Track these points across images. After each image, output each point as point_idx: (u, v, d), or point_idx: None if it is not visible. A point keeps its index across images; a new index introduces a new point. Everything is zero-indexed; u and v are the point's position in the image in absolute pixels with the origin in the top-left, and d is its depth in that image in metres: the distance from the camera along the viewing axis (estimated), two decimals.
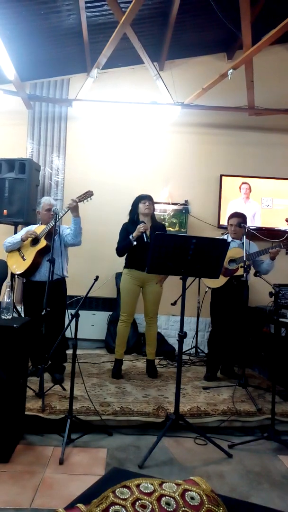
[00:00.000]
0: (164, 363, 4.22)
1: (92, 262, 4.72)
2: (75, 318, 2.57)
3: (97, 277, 2.62)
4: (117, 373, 3.61)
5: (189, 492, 0.85)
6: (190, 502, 0.83)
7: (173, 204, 4.94)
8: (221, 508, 0.84)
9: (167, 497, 0.83)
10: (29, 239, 3.41)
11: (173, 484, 0.87)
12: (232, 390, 3.22)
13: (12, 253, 3.49)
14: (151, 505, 0.81)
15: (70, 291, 3.62)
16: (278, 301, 2.97)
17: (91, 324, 4.74)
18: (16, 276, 3.85)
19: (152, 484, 0.86)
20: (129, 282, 3.62)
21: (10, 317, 2.52)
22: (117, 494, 0.83)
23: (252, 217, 4.94)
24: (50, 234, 3.29)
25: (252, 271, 3.51)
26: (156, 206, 3.87)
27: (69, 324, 2.67)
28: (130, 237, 3.49)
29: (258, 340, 4.10)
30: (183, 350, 4.15)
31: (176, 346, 4.46)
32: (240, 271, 3.56)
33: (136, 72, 5.02)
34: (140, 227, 3.45)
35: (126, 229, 3.61)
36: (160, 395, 3.18)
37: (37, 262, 3.36)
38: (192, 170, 5.06)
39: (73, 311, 2.61)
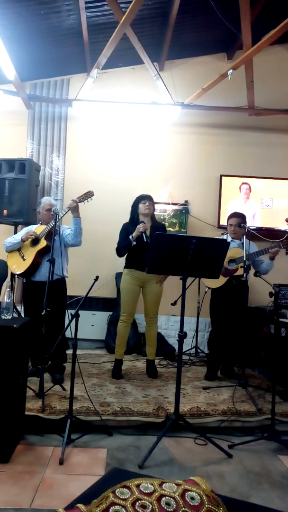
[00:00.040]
0: (164, 363, 4.22)
1: (92, 262, 4.72)
2: (75, 318, 2.57)
3: (97, 277, 2.62)
4: (117, 373, 3.61)
5: (189, 492, 0.85)
6: (190, 502, 0.83)
7: (173, 204, 4.94)
8: (221, 508, 0.84)
9: (167, 497, 0.83)
10: (29, 239, 3.41)
11: (173, 484, 0.87)
12: (232, 390, 3.22)
13: (12, 253, 3.49)
14: (151, 505, 0.81)
15: (70, 291, 3.62)
16: (278, 301, 2.98)
17: (91, 324, 4.74)
18: (16, 276, 3.85)
19: (152, 484, 0.86)
20: (129, 282, 3.62)
21: (10, 317, 2.52)
22: (117, 494, 0.83)
23: (252, 217, 4.94)
24: (50, 234, 3.29)
25: (252, 271, 3.51)
26: (156, 206, 3.87)
27: (69, 324, 2.67)
28: (130, 237, 3.49)
29: (258, 340, 4.10)
30: (183, 350, 4.15)
31: (176, 346, 4.46)
32: (240, 271, 3.56)
33: (136, 72, 5.02)
34: (140, 227, 3.45)
35: (126, 229, 3.61)
36: (160, 395, 3.18)
37: (37, 262, 3.36)
38: (192, 170, 5.06)
39: (73, 311, 2.61)
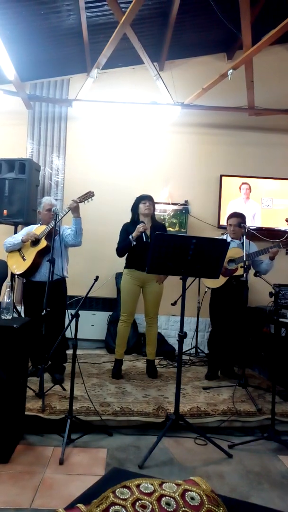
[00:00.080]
0: (164, 363, 4.22)
1: (92, 262, 4.72)
2: (75, 318, 2.57)
3: (97, 277, 2.62)
4: (117, 373, 3.61)
5: (189, 492, 0.85)
6: (190, 502, 0.83)
7: (173, 204, 4.94)
8: (221, 508, 0.84)
9: (167, 497, 0.83)
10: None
11: (173, 484, 0.87)
12: (232, 390, 3.22)
13: (12, 253, 3.49)
14: (151, 505, 0.81)
15: (70, 291, 3.62)
16: (278, 301, 2.97)
17: (91, 324, 4.74)
18: (16, 276, 3.85)
19: (152, 484, 0.86)
20: (129, 282, 3.62)
21: (10, 317, 2.52)
22: (117, 494, 0.83)
23: (252, 217, 4.94)
24: (51, 235, 3.29)
25: (252, 271, 3.51)
26: (156, 206, 3.86)
27: (69, 324, 2.67)
28: (130, 237, 3.50)
29: (258, 340, 4.10)
30: (183, 350, 4.15)
31: (176, 346, 4.46)
32: (240, 271, 3.56)
33: (136, 72, 5.02)
34: (140, 227, 3.45)
35: (126, 230, 3.61)
36: (160, 395, 3.18)
37: (37, 262, 3.36)
38: (192, 170, 5.06)
39: (73, 311, 2.61)
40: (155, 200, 3.82)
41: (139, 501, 0.81)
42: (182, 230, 4.92)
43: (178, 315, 3.81)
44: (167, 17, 4.21)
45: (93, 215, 4.62)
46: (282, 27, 3.35)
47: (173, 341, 4.74)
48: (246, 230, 3.49)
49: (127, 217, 3.77)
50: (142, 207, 3.62)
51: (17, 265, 3.43)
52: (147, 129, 5.07)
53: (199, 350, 4.66)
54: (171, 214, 4.92)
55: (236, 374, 3.74)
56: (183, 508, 0.81)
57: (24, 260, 3.40)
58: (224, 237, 3.87)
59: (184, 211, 4.93)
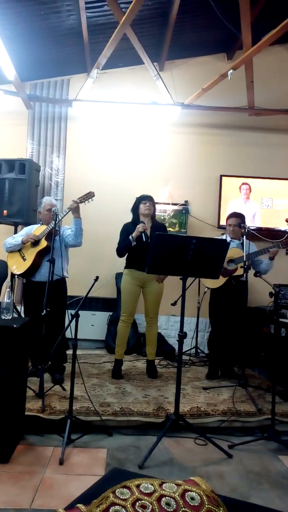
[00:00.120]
0: (164, 363, 4.22)
1: (92, 262, 4.72)
2: (75, 319, 2.57)
3: (97, 278, 2.62)
4: (117, 373, 3.61)
5: (189, 492, 0.85)
6: (190, 503, 0.83)
7: (173, 204, 4.94)
8: (221, 509, 0.84)
9: (167, 497, 0.83)
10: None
11: (173, 484, 0.87)
12: (232, 391, 3.22)
13: (12, 253, 3.49)
14: (151, 506, 0.81)
15: (70, 292, 3.62)
16: (278, 301, 2.98)
17: (91, 325, 4.74)
18: (16, 276, 3.85)
19: (152, 485, 0.86)
20: (129, 283, 3.62)
21: (10, 317, 2.52)
22: (117, 495, 0.83)
23: (252, 218, 4.94)
24: (51, 235, 3.29)
25: (252, 271, 3.51)
26: (156, 206, 3.86)
27: (69, 325, 2.67)
28: (130, 237, 3.50)
29: (258, 340, 4.10)
30: (183, 351, 4.15)
31: (176, 347, 4.46)
32: (239, 271, 3.56)
33: (136, 72, 5.02)
34: (139, 227, 3.46)
35: (127, 230, 3.61)
36: (160, 395, 3.18)
37: (38, 262, 3.36)
38: (192, 170, 5.07)
39: (73, 312, 2.61)
40: (155, 200, 3.82)
41: (139, 501, 0.81)
42: (182, 230, 4.92)
43: (178, 315, 3.81)
44: (167, 17, 4.21)
45: (93, 215, 4.62)
46: (282, 27, 3.35)
47: (173, 341, 4.74)
48: (246, 230, 3.48)
49: (127, 217, 3.77)
50: (142, 207, 3.62)
51: (17, 265, 3.43)
52: (147, 129, 5.07)
53: (199, 350, 4.66)
54: (171, 214, 4.92)
55: (236, 374, 3.74)
56: (183, 508, 0.81)
57: (24, 260, 3.40)
58: (224, 237, 3.87)
59: (184, 211, 4.93)
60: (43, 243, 3.34)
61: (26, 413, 2.65)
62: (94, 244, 4.67)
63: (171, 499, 0.83)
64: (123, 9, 3.58)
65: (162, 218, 4.84)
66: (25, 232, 3.53)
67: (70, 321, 2.60)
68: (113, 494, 0.83)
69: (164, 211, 4.90)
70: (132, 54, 4.32)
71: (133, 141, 5.07)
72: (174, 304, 3.91)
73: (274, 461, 2.45)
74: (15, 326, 2.29)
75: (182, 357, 2.78)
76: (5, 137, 4.98)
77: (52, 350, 2.92)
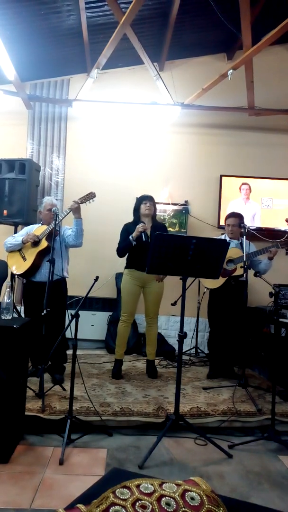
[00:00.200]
0: (164, 363, 4.22)
1: (92, 263, 4.72)
2: (75, 319, 2.57)
3: (97, 278, 2.62)
4: (117, 373, 3.61)
5: (189, 492, 0.85)
6: (190, 503, 0.83)
7: (173, 204, 4.94)
8: (221, 509, 0.84)
9: (167, 497, 0.83)
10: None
11: (173, 484, 0.87)
12: (232, 391, 3.22)
13: (12, 253, 3.49)
14: (151, 506, 0.81)
15: (70, 292, 3.62)
16: (278, 301, 2.97)
17: (91, 325, 4.74)
18: (16, 276, 3.85)
19: (152, 485, 0.86)
20: (129, 283, 3.62)
21: (10, 317, 2.52)
22: (117, 495, 0.83)
23: (252, 218, 4.94)
24: (51, 235, 3.28)
25: (252, 271, 3.51)
26: (156, 206, 3.86)
27: (69, 325, 2.67)
28: (130, 237, 3.50)
29: (258, 341, 4.10)
30: (183, 351, 4.15)
31: (176, 347, 4.46)
32: (238, 272, 3.56)
33: (136, 72, 5.02)
34: (139, 227, 3.46)
35: (127, 230, 3.62)
36: (160, 395, 3.18)
37: (38, 263, 3.36)
38: (192, 170, 5.07)
39: (73, 312, 2.61)
40: (155, 200, 3.81)
41: (139, 501, 0.81)
42: (182, 230, 4.92)
43: (178, 315, 3.81)
44: (167, 17, 4.21)
45: (93, 215, 4.61)
46: (282, 27, 3.35)
47: (173, 341, 4.74)
48: (246, 231, 3.48)
49: (127, 217, 3.77)
50: (142, 207, 3.63)
51: (18, 265, 3.43)
52: (147, 130, 5.07)
53: (199, 350, 4.66)
54: (171, 214, 4.92)
55: (236, 374, 3.73)
56: (183, 509, 0.81)
57: (25, 260, 3.40)
58: (223, 237, 3.87)
59: (184, 211, 4.93)
60: (44, 244, 3.34)
61: (26, 413, 2.65)
62: (94, 244, 4.67)
63: (171, 499, 0.83)
64: (123, 9, 3.58)
65: (162, 218, 4.84)
66: (25, 232, 3.53)
67: (70, 321, 2.61)
68: (113, 494, 0.83)
69: (164, 211, 4.90)
70: (132, 54, 4.32)
71: (133, 141, 5.07)
72: (174, 304, 3.91)
73: (274, 461, 2.45)
74: (15, 326, 2.29)
75: (182, 357, 2.78)
76: (5, 137, 4.98)
77: (52, 350, 2.92)
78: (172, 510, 0.80)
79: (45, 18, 3.94)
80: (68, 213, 3.33)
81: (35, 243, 3.39)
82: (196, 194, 5.03)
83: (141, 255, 3.43)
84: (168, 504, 0.82)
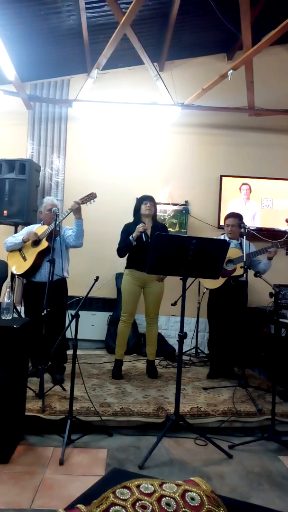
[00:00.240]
0: (164, 363, 4.22)
1: (92, 263, 4.72)
2: (75, 319, 2.57)
3: (97, 278, 2.62)
4: (117, 373, 3.61)
5: (189, 492, 0.85)
6: (190, 503, 0.83)
7: (173, 204, 4.94)
8: (221, 509, 0.84)
9: (167, 497, 0.83)
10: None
11: (173, 484, 0.87)
12: (232, 391, 3.22)
13: (13, 253, 3.49)
14: (151, 506, 0.81)
15: (70, 292, 3.62)
16: (278, 302, 2.97)
17: (91, 325, 4.74)
18: (16, 276, 3.85)
19: (152, 485, 0.86)
20: (130, 283, 3.62)
21: (10, 317, 2.52)
22: (117, 495, 0.83)
23: (252, 218, 4.94)
24: (52, 235, 3.28)
25: (252, 271, 3.51)
26: (157, 206, 3.86)
27: (69, 325, 2.67)
28: (130, 237, 3.50)
29: (258, 341, 4.10)
30: (183, 351, 4.15)
31: (176, 347, 4.46)
32: (238, 272, 3.56)
33: (136, 72, 5.02)
34: (139, 227, 3.46)
35: (127, 230, 3.62)
36: (160, 395, 3.18)
37: (38, 263, 3.36)
38: (192, 170, 5.07)
39: (73, 312, 2.61)
40: (155, 201, 3.81)
41: (139, 502, 0.81)
42: (182, 230, 4.92)
43: (178, 316, 3.81)
44: (167, 17, 4.21)
45: (93, 215, 4.61)
46: (282, 27, 3.35)
47: (173, 341, 4.74)
48: (246, 231, 3.48)
49: (127, 217, 3.77)
50: (143, 207, 3.63)
51: (18, 266, 3.43)
52: (147, 130, 5.07)
53: (199, 351, 4.66)
54: (171, 215, 4.92)
55: (236, 375, 3.73)
56: (183, 509, 0.81)
57: (25, 260, 3.40)
58: (222, 237, 3.87)
59: (184, 212, 4.93)
60: (44, 244, 3.34)
61: (26, 413, 2.65)
62: (94, 244, 4.67)
63: (171, 499, 0.83)
64: (123, 9, 3.59)
65: (162, 218, 4.84)
66: (25, 232, 3.52)
67: (70, 321, 2.61)
68: (113, 494, 0.83)
69: (164, 211, 4.90)
70: (132, 54, 4.33)
71: (133, 141, 5.07)
72: (174, 304, 3.91)
73: (274, 462, 2.45)
74: (15, 326, 2.29)
75: (182, 357, 2.78)
76: (5, 137, 4.98)
77: (52, 351, 2.92)
78: (172, 510, 0.80)
79: (45, 18, 3.95)
80: (68, 213, 3.33)
81: (36, 243, 3.39)
82: (196, 194, 5.03)
83: (142, 255, 3.43)
84: (168, 504, 0.82)
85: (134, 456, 2.42)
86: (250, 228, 4.00)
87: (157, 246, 2.53)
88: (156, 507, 0.80)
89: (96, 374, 3.68)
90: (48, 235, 3.34)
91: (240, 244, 3.76)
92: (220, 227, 4.90)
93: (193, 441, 2.64)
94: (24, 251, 3.45)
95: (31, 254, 3.37)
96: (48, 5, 3.75)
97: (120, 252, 3.64)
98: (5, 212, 4.31)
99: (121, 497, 0.82)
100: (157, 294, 3.66)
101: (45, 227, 3.41)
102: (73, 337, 2.57)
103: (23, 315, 3.84)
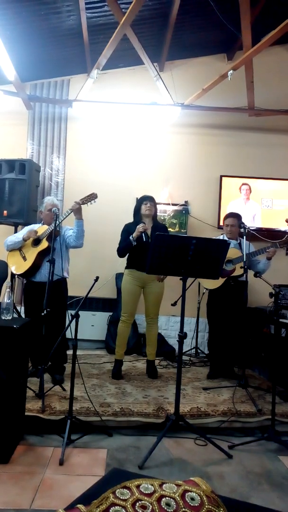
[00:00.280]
0: (164, 363, 4.22)
1: (92, 263, 4.72)
2: (75, 319, 2.57)
3: (97, 278, 2.62)
4: (117, 373, 3.61)
5: (189, 493, 0.85)
6: (190, 503, 0.83)
7: (173, 204, 4.94)
8: (221, 509, 0.84)
9: (167, 498, 0.83)
10: (31, 238, 3.41)
11: (173, 485, 0.87)
12: (232, 391, 3.22)
13: (13, 252, 3.49)
14: (151, 506, 0.81)
15: (70, 292, 3.62)
16: (278, 302, 2.97)
17: (91, 325, 4.74)
18: (16, 276, 3.85)
19: (152, 485, 0.86)
20: (130, 283, 3.62)
21: (10, 317, 2.52)
22: (117, 495, 0.83)
23: (252, 218, 4.94)
24: (52, 235, 3.28)
25: (252, 272, 3.51)
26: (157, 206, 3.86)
27: (69, 325, 2.67)
28: (130, 237, 3.50)
29: (258, 341, 4.10)
30: (183, 351, 4.15)
31: (176, 347, 4.46)
32: (237, 272, 3.56)
33: (136, 73, 5.02)
34: (139, 227, 3.46)
35: (128, 230, 3.62)
36: (160, 395, 3.18)
37: (38, 263, 3.36)
38: (192, 170, 5.07)
39: (73, 312, 2.61)
40: (156, 201, 3.81)
41: (139, 502, 0.81)
42: (182, 230, 4.92)
43: (178, 316, 3.81)
44: (167, 17, 4.21)
45: (93, 215, 4.60)
46: (282, 27, 3.35)
47: (173, 341, 4.74)
48: (246, 231, 3.48)
49: (127, 217, 3.77)
50: (143, 207, 3.63)
51: (18, 265, 3.43)
52: (147, 130, 5.07)
53: (199, 351, 4.66)
54: (171, 215, 4.92)
55: (236, 375, 3.73)
56: (183, 509, 0.81)
57: (25, 260, 3.40)
58: (221, 237, 3.87)
59: (184, 212, 4.93)
60: (44, 244, 3.34)
61: (26, 413, 2.65)
62: (94, 244, 4.67)
63: (171, 499, 0.83)
64: (123, 10, 3.59)
65: (162, 218, 4.84)
66: (26, 231, 3.52)
67: (70, 322, 2.61)
68: (113, 494, 0.83)
69: (164, 211, 4.90)
70: (132, 55, 4.33)
71: (133, 141, 5.07)
72: (174, 304, 3.91)
73: (274, 462, 2.45)
74: (15, 326, 2.29)
75: (182, 358, 2.78)
76: (5, 137, 4.98)
77: (52, 351, 2.92)
78: (172, 510, 0.80)
79: (45, 18, 3.95)
80: (69, 213, 3.33)
81: (36, 242, 3.39)
82: (196, 194, 5.03)
83: (142, 255, 3.43)
84: (168, 504, 0.82)
85: (134, 456, 2.42)
86: (250, 228, 3.99)
87: (157, 246, 2.53)
88: (156, 507, 0.80)
89: (96, 374, 3.68)
90: (48, 235, 3.34)
91: (239, 244, 3.77)
92: (220, 227, 4.90)
93: (193, 441, 2.64)
94: (24, 251, 3.45)
95: (31, 254, 3.37)
96: (48, 5, 3.75)
97: (120, 252, 3.64)
98: (5, 212, 4.31)
99: (121, 497, 0.82)
100: (157, 294, 3.66)
101: (46, 227, 3.41)
102: (73, 337, 2.57)
103: (23, 315, 3.84)
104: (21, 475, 2.13)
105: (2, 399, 2.25)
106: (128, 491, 0.84)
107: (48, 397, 2.95)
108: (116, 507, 0.80)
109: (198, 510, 0.81)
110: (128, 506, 0.80)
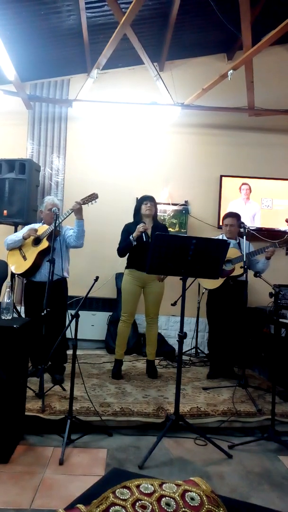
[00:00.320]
0: (164, 363, 4.22)
1: (92, 263, 4.72)
2: (75, 319, 2.57)
3: (97, 278, 2.62)
4: (117, 373, 3.61)
5: (189, 492, 0.85)
6: (190, 503, 0.83)
7: (173, 204, 4.94)
8: (221, 509, 0.84)
9: (167, 497, 0.83)
10: (31, 237, 3.41)
11: (173, 484, 0.87)
12: (232, 391, 3.22)
13: (13, 252, 3.49)
14: (151, 506, 0.81)
15: (70, 292, 3.62)
16: (278, 302, 2.97)
17: (91, 325, 4.74)
18: (16, 276, 3.84)
19: (152, 485, 0.86)
20: (130, 283, 3.62)
21: (10, 317, 2.52)
22: (117, 495, 0.83)
23: (252, 218, 4.94)
24: (52, 235, 3.28)
25: (252, 271, 3.51)
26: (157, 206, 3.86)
27: (69, 325, 2.67)
28: (130, 237, 3.50)
29: (258, 341, 4.10)
30: (183, 351, 4.15)
31: (176, 347, 4.46)
32: (237, 272, 3.56)
33: (136, 72, 5.02)
34: (140, 227, 3.46)
35: (128, 230, 3.62)
36: (160, 395, 3.18)
37: (38, 263, 3.35)
38: (192, 170, 5.07)
39: (73, 312, 2.61)
40: (156, 201, 3.81)
41: (139, 502, 0.81)
42: (182, 230, 4.92)
43: (178, 316, 3.81)
44: (167, 17, 4.21)
45: (93, 215, 4.60)
46: (282, 27, 3.35)
47: (173, 341, 4.74)
48: (246, 231, 3.48)
49: (127, 217, 3.77)
50: (143, 207, 3.63)
51: (18, 265, 3.43)
52: (147, 130, 5.07)
53: (199, 351, 4.66)
54: (171, 215, 4.93)
55: (236, 375, 3.73)
56: (183, 509, 0.81)
57: (25, 260, 3.40)
58: (221, 237, 3.86)
59: (184, 212, 4.93)
60: (45, 244, 3.34)
61: (26, 413, 2.65)
62: (94, 244, 4.66)
63: (171, 499, 0.83)
64: (123, 9, 3.59)
65: (162, 218, 4.84)
66: (26, 230, 3.52)
67: (70, 321, 2.61)
68: (113, 494, 0.83)
69: (164, 211, 4.90)
70: (132, 54, 4.33)
71: (133, 141, 5.07)
72: (174, 304, 3.91)
73: (274, 462, 2.45)
74: (15, 326, 2.29)
75: (182, 357, 2.78)
76: (5, 137, 4.98)
77: (52, 350, 2.92)
78: (172, 510, 0.80)
79: (45, 18, 3.95)
80: (69, 213, 3.33)
81: (36, 242, 3.39)
82: (196, 194, 5.03)
83: (142, 255, 3.43)
84: (168, 504, 0.82)
85: (134, 456, 2.42)
86: (250, 228, 4.00)
87: (157, 246, 2.53)
88: (156, 507, 0.80)
89: (96, 374, 3.68)
90: (48, 234, 3.34)
91: (239, 244, 3.77)
92: (220, 227, 4.89)
93: (193, 441, 2.64)
94: (24, 250, 3.45)
95: (31, 254, 3.37)
96: (48, 5, 3.75)
97: (120, 252, 3.64)
98: (5, 212, 4.31)
99: (121, 497, 0.82)
100: (157, 294, 3.66)
101: (46, 226, 3.41)
102: (73, 337, 2.57)
103: (23, 315, 3.84)
104: (21, 475, 2.13)
105: (2, 399, 2.25)
106: (128, 491, 0.84)
107: (48, 397, 2.95)
108: (116, 507, 0.80)
109: (198, 510, 0.82)
110: (128, 506, 0.80)
